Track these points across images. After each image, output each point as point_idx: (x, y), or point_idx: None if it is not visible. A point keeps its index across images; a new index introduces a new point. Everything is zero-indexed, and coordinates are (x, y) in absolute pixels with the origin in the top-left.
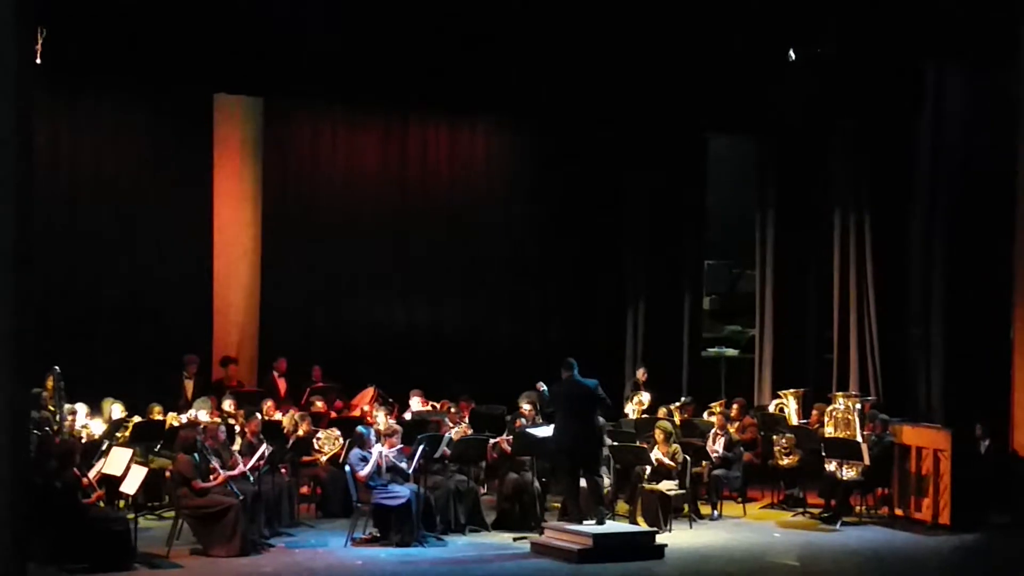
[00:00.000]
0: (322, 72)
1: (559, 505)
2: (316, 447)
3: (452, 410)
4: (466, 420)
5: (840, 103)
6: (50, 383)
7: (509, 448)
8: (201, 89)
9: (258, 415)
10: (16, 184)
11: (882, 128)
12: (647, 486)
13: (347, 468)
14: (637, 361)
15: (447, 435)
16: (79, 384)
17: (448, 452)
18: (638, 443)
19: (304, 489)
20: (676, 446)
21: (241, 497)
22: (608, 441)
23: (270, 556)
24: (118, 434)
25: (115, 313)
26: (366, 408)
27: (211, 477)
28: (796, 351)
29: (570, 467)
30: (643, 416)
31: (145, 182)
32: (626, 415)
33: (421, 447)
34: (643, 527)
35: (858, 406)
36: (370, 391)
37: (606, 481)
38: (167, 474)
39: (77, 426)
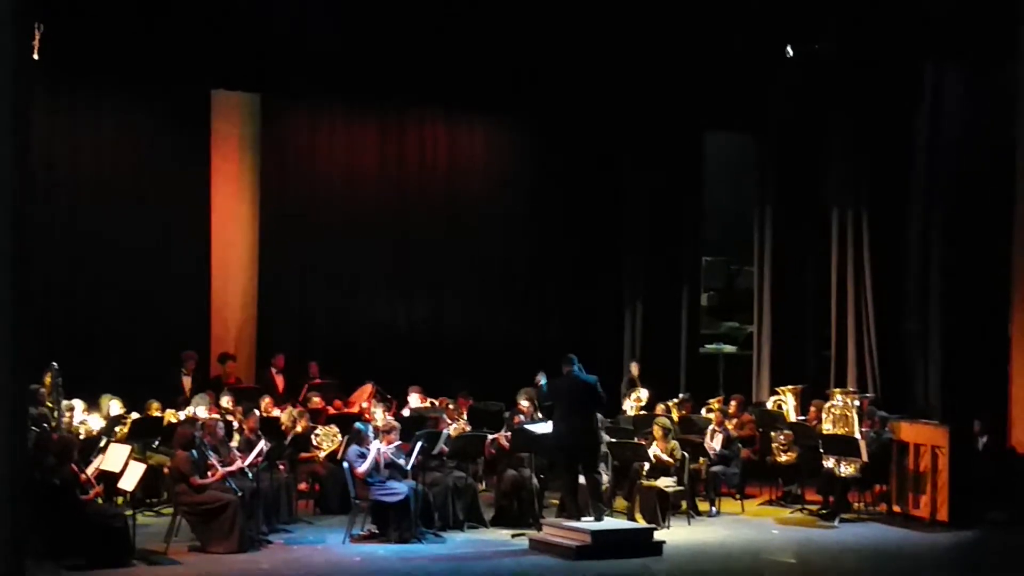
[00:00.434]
0: (320, 69)
1: (557, 501)
2: (314, 443)
3: (450, 406)
4: (464, 417)
5: (838, 101)
6: (48, 379)
7: (507, 444)
8: (199, 86)
9: (256, 412)
10: (14, 182)
11: (880, 126)
12: (645, 482)
13: (345, 464)
14: (635, 358)
15: (445, 431)
16: (77, 380)
17: (446, 449)
18: (636, 440)
19: (302, 485)
20: (674, 442)
21: (239, 494)
22: (606, 438)
23: (268, 552)
24: (116, 430)
25: (113, 309)
26: (364, 405)
27: (209, 473)
28: (794, 348)
29: (568, 463)
30: (641, 413)
31: (143, 179)
32: (624, 412)
33: (419, 443)
34: (641, 524)
35: (856, 403)
36: (368, 388)
37: (604, 478)
38: (165, 470)
39: (75, 422)
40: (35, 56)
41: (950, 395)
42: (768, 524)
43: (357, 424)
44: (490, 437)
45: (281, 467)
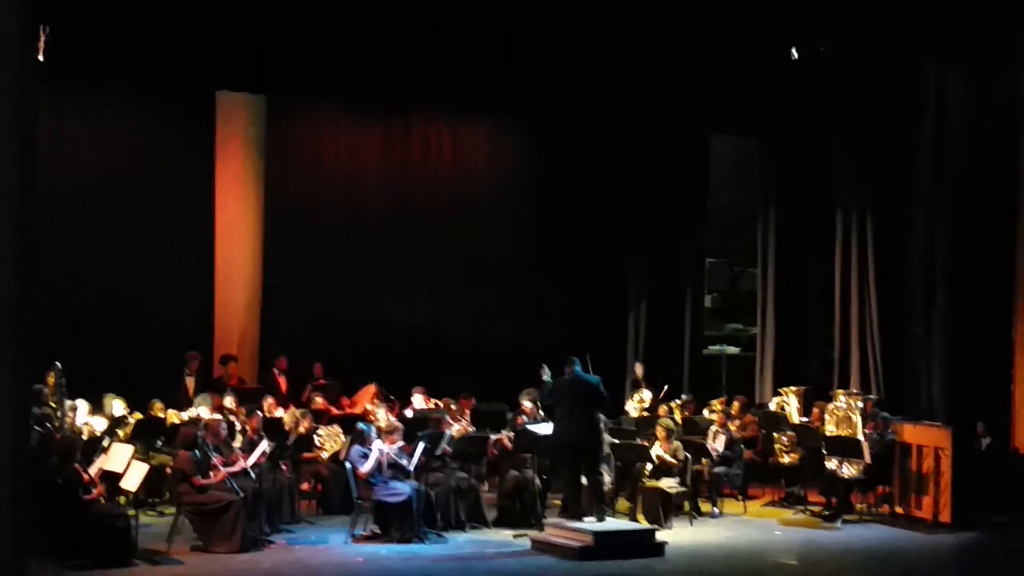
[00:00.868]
0: (324, 71)
1: (560, 502)
2: (317, 444)
3: (453, 407)
4: (467, 417)
5: (842, 102)
6: (51, 379)
7: (510, 445)
8: (203, 87)
9: (259, 412)
10: (18, 182)
11: (884, 127)
12: (648, 483)
13: (348, 465)
14: (638, 359)
15: (448, 432)
16: (80, 381)
17: (449, 449)
18: (639, 441)
19: (305, 486)
20: (677, 443)
21: (242, 494)
22: (609, 438)
23: (270, 553)
24: (119, 431)
25: (117, 310)
26: (368, 406)
27: (212, 474)
28: (797, 349)
29: (571, 464)
30: (644, 414)
31: (147, 179)
32: (627, 413)
33: (422, 444)
34: (644, 525)
35: (859, 404)
36: (371, 388)
37: (607, 478)
38: (168, 470)
39: (78, 422)
40: (40, 58)
41: (953, 396)
42: (771, 525)
43: (360, 425)
44: (493, 438)
45: (284, 467)
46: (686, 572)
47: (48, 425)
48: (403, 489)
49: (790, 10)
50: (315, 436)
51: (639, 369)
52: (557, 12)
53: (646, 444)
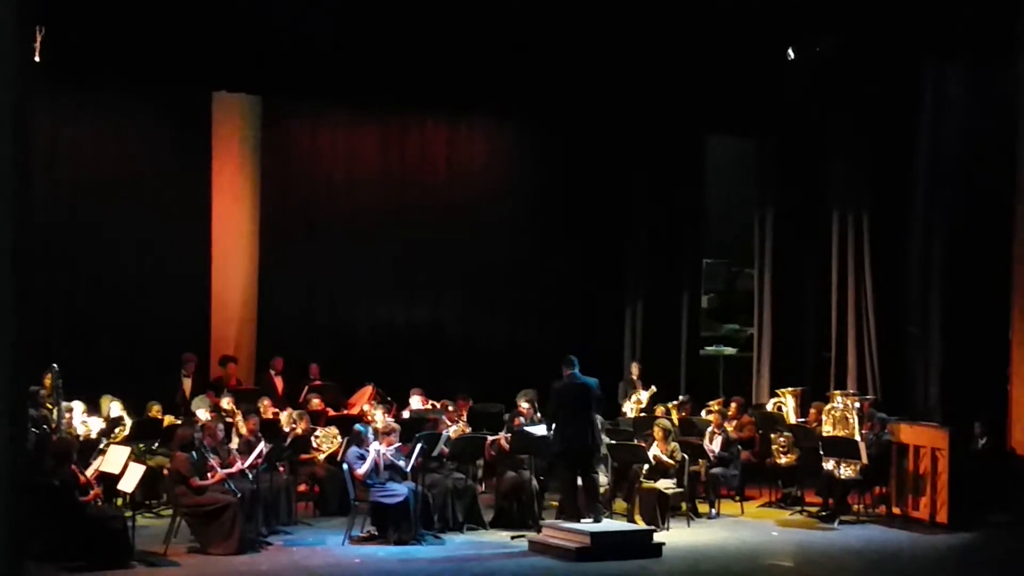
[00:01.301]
0: (322, 71)
1: (557, 503)
2: (314, 445)
3: (450, 408)
4: (464, 418)
5: (839, 102)
6: (48, 381)
7: (507, 446)
8: (200, 88)
9: (256, 414)
10: (15, 182)
11: (881, 127)
12: (645, 484)
13: (345, 466)
14: (636, 359)
15: (445, 433)
16: (77, 382)
17: (447, 450)
18: (636, 441)
19: (302, 487)
20: (675, 444)
21: (239, 495)
22: (606, 439)
23: (268, 554)
24: (116, 432)
25: (113, 311)
26: (365, 408)
27: (209, 475)
28: (794, 350)
29: (568, 465)
30: (641, 415)
31: (144, 180)
32: (624, 413)
33: (419, 445)
34: (641, 525)
35: (856, 405)
36: (368, 390)
37: (603, 479)
38: (165, 472)
39: (75, 424)
40: (36, 58)
41: (950, 397)
42: (768, 526)
43: (357, 426)
44: (490, 439)
45: (281, 469)
46: (683, 573)
47: (45, 427)
48: (400, 490)
49: (788, 10)
50: (312, 437)
51: (635, 369)
52: (556, 14)
53: (643, 445)
